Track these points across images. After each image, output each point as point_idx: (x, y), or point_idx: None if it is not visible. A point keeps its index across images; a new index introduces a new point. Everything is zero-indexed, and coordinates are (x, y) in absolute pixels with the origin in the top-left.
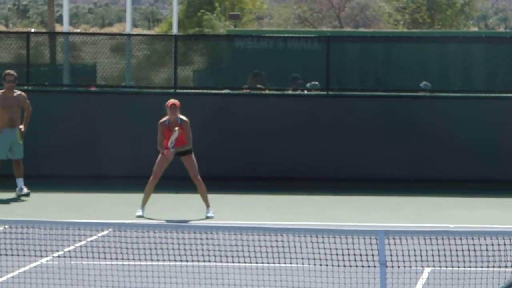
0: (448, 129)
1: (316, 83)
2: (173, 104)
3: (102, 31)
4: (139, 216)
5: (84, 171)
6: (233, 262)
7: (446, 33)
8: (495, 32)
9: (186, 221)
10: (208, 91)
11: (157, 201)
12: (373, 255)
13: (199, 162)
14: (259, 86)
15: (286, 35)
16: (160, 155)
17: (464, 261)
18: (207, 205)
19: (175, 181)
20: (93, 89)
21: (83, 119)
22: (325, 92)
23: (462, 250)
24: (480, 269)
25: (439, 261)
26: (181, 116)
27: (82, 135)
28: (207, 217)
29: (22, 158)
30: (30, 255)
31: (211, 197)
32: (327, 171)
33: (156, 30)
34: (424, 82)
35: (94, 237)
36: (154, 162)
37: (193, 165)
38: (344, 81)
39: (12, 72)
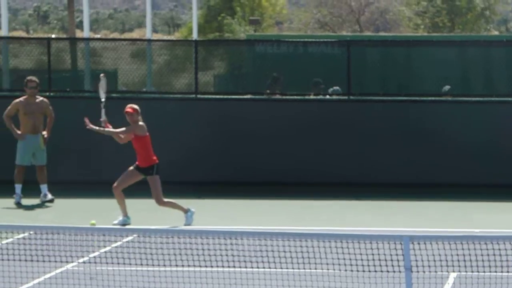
0: (471, 133)
1: (338, 88)
2: (126, 112)
3: (122, 36)
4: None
5: (107, 176)
6: (257, 267)
7: (467, 37)
8: None
9: (209, 227)
10: (229, 96)
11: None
12: (398, 260)
13: (222, 168)
14: (277, 91)
15: (306, 39)
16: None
17: (489, 266)
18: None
19: (197, 186)
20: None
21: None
22: (346, 97)
23: (488, 255)
24: (506, 274)
25: (465, 266)
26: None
27: (104, 140)
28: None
29: (45, 164)
30: (55, 261)
31: (234, 202)
32: (349, 176)
33: (176, 35)
34: (446, 86)
35: (118, 243)
36: (177, 166)
37: (156, 188)
38: (365, 86)
39: (34, 78)
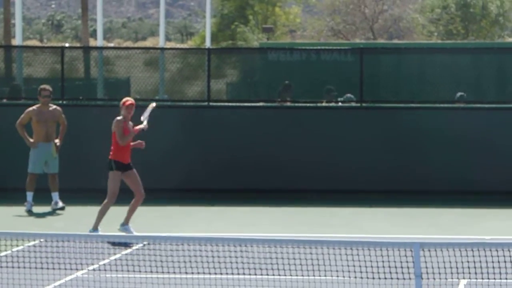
0: (483, 140)
1: (350, 95)
2: (131, 103)
3: (136, 45)
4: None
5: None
6: (267, 274)
7: (481, 44)
8: None
9: (219, 234)
10: (242, 104)
11: (191, 214)
12: (408, 267)
13: (234, 174)
14: (288, 99)
15: (319, 47)
16: (112, 173)
17: (500, 273)
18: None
19: (207, 193)
20: None
21: None
22: (358, 104)
23: (498, 262)
24: None
25: (475, 273)
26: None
27: None
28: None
29: (57, 172)
30: (65, 269)
31: (246, 209)
32: (362, 183)
33: (189, 44)
34: (460, 93)
35: (128, 250)
36: (188, 173)
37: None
38: (378, 93)
39: (47, 87)
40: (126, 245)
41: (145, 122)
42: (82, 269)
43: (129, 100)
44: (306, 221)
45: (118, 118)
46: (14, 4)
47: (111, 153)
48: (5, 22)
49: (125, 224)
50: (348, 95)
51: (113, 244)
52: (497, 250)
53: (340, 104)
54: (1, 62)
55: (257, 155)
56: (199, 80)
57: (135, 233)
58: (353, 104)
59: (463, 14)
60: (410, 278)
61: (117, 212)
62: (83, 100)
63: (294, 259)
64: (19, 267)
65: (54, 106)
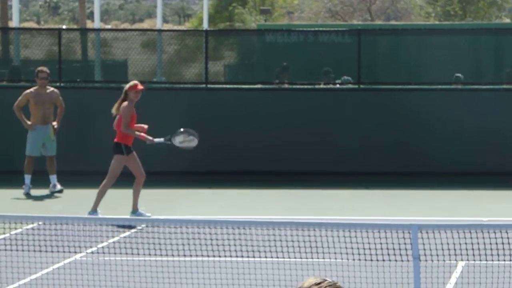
0: (481, 121)
1: (348, 77)
2: (142, 89)
3: (133, 27)
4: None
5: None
6: (265, 257)
7: (478, 25)
8: None
9: (218, 217)
10: (239, 86)
11: (190, 196)
12: (406, 249)
13: (232, 156)
14: (286, 81)
15: (317, 29)
16: (120, 157)
17: (498, 255)
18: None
19: (205, 176)
20: None
21: None
22: (356, 86)
23: (496, 243)
24: None
25: (473, 255)
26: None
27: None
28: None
29: (55, 155)
30: (64, 251)
31: (244, 192)
32: (360, 165)
33: (186, 25)
34: (457, 74)
35: (127, 233)
36: (185, 156)
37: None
38: (375, 75)
39: (44, 69)
40: (130, 227)
41: (157, 140)
42: (80, 252)
43: (140, 85)
44: (304, 203)
45: (127, 102)
46: None
47: (117, 136)
48: (2, 4)
49: (135, 211)
50: (345, 77)
51: (118, 226)
52: (494, 232)
53: (338, 85)
54: None
55: (254, 137)
56: (197, 62)
57: (148, 214)
58: (351, 85)
59: None
60: (408, 260)
61: (117, 195)
62: (81, 82)
63: (292, 241)
64: (17, 250)
65: (52, 88)
